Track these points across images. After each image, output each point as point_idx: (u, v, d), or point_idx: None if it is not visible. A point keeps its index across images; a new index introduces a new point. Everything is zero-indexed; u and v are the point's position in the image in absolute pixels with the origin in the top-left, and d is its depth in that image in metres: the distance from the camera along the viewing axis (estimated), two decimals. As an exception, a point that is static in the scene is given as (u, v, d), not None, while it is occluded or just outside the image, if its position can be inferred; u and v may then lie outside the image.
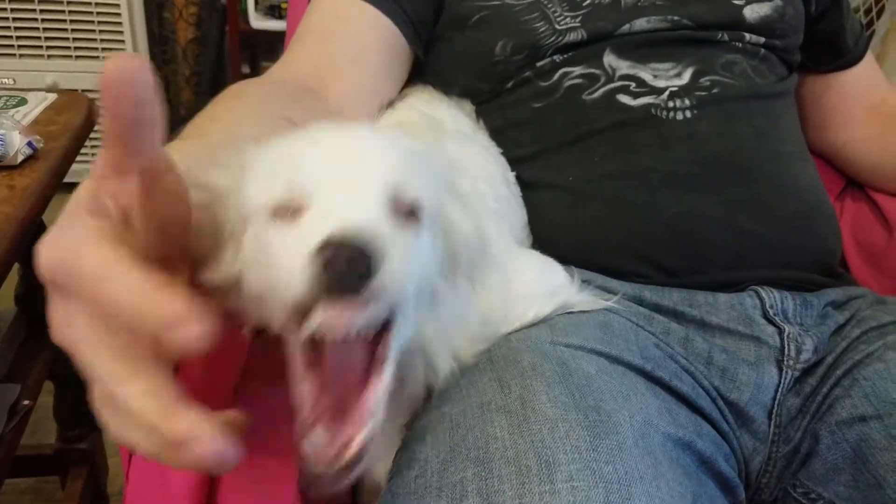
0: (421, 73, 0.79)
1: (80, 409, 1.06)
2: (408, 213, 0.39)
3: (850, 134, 0.88)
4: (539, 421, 0.43)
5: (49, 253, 0.29)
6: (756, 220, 0.65)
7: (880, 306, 0.66)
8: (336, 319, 0.33)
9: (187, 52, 2.24)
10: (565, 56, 0.71)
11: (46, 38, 1.97)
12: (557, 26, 0.71)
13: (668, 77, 0.69)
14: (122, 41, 2.01)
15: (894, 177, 0.84)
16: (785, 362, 0.60)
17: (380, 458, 0.51)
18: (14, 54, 1.97)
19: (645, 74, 0.69)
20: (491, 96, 0.76)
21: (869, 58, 0.89)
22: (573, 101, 0.70)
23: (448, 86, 0.78)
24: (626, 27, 0.71)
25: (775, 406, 0.60)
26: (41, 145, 0.81)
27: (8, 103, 0.92)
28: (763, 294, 0.64)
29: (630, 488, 0.39)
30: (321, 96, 0.65)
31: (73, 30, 1.98)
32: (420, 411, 0.51)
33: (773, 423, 0.59)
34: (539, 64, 0.72)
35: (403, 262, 0.36)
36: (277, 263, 0.36)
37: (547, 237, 0.68)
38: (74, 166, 0.85)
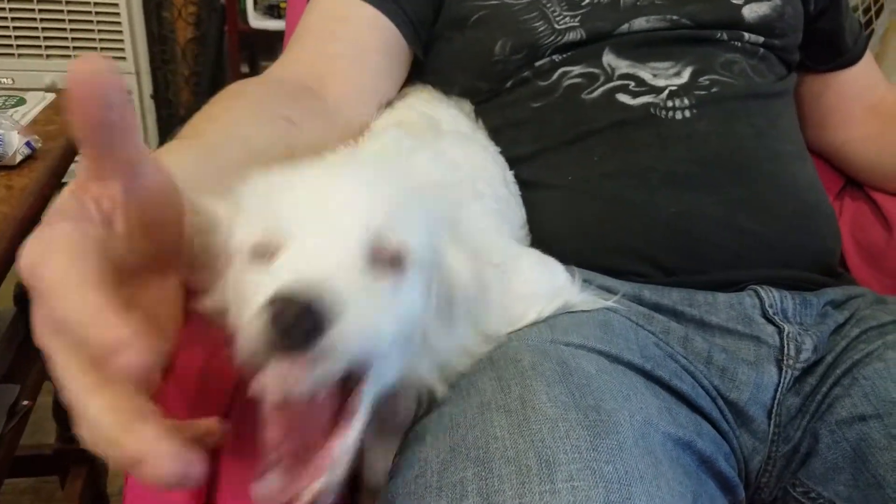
0: (420, 72, 0.79)
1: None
2: (391, 260, 0.38)
3: (849, 133, 0.88)
4: (539, 420, 0.42)
5: (24, 257, 0.29)
6: (755, 220, 0.65)
7: (880, 305, 0.66)
8: (283, 377, 0.32)
9: (186, 52, 2.23)
10: (564, 55, 0.71)
11: (45, 38, 1.97)
12: (556, 26, 0.71)
13: (667, 76, 0.69)
14: (121, 41, 2.01)
15: (893, 176, 0.84)
16: (784, 362, 0.60)
17: (379, 459, 0.51)
18: (13, 54, 1.97)
19: (644, 74, 0.69)
20: (490, 96, 0.76)
21: (868, 57, 0.89)
22: (572, 101, 0.70)
23: (447, 85, 0.78)
24: (624, 26, 0.71)
25: (775, 405, 0.60)
26: (40, 145, 0.81)
27: (6, 103, 0.92)
28: (762, 293, 0.64)
29: (630, 488, 0.39)
30: (320, 96, 0.65)
31: (71, 29, 1.97)
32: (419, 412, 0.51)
33: (772, 422, 0.59)
34: (538, 63, 0.72)
35: (374, 314, 0.34)
36: (245, 307, 0.34)
37: (546, 237, 0.68)
38: (73, 166, 0.85)
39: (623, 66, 0.70)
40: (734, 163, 0.67)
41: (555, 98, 0.71)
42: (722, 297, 0.63)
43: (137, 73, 2.06)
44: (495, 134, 0.75)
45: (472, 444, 0.43)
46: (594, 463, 0.40)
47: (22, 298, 0.99)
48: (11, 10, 1.92)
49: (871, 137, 0.86)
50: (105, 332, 0.27)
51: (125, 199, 0.32)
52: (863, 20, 1.89)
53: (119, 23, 1.99)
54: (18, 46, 1.97)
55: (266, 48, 2.32)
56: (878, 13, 1.89)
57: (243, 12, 2.17)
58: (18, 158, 0.77)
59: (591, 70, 0.70)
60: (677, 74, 0.69)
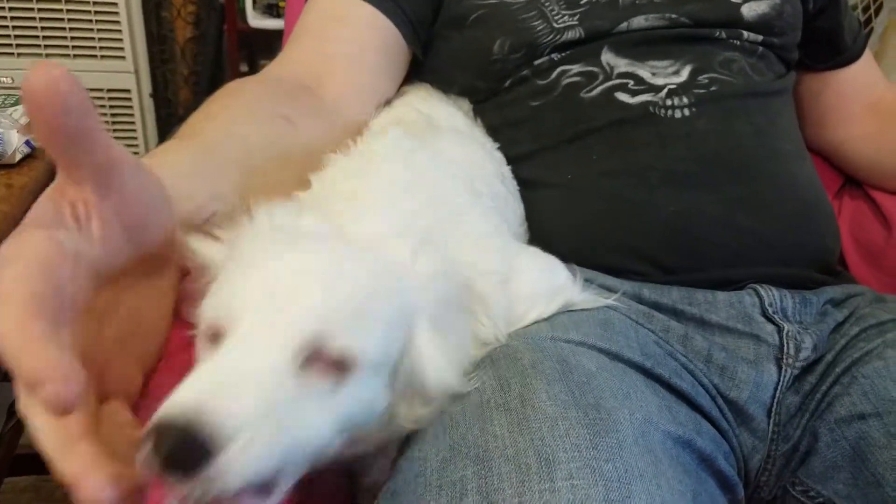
0: (419, 71, 0.79)
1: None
2: (334, 363, 0.37)
3: (848, 132, 0.88)
4: (539, 419, 0.42)
5: None
6: (754, 218, 0.65)
7: (879, 304, 0.66)
8: (179, 495, 0.31)
9: (185, 51, 2.23)
10: (563, 54, 0.71)
11: (44, 38, 1.97)
12: (555, 24, 0.71)
13: (666, 75, 0.69)
14: (121, 40, 2.01)
15: (892, 174, 0.85)
16: (784, 360, 0.60)
17: (378, 458, 0.51)
18: (12, 53, 1.96)
19: (643, 72, 0.69)
20: (489, 95, 0.76)
21: (867, 55, 0.89)
22: (571, 100, 0.70)
23: (446, 84, 0.78)
24: (623, 25, 0.71)
25: (774, 404, 0.60)
26: (39, 144, 0.81)
27: (6, 102, 0.92)
28: (762, 292, 0.64)
29: (630, 486, 0.39)
30: (318, 95, 0.65)
31: (71, 29, 1.97)
32: None
33: (772, 421, 0.59)
34: (537, 62, 0.72)
35: (284, 431, 0.33)
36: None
37: (545, 236, 0.68)
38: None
39: (622, 64, 0.70)
40: (733, 161, 0.67)
41: (553, 97, 0.71)
42: (721, 295, 0.63)
43: (136, 73, 2.05)
44: (494, 133, 0.75)
45: (471, 443, 0.43)
46: (594, 461, 0.40)
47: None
48: (10, 9, 1.91)
49: (870, 136, 0.86)
50: (30, 362, 0.27)
51: (99, 203, 0.32)
52: (862, 18, 1.89)
53: (118, 22, 1.99)
54: (18, 46, 1.96)
55: (265, 47, 2.31)
56: (877, 11, 1.88)
57: (242, 11, 2.17)
58: (18, 157, 0.78)
59: (589, 69, 0.70)
60: (676, 73, 0.69)
